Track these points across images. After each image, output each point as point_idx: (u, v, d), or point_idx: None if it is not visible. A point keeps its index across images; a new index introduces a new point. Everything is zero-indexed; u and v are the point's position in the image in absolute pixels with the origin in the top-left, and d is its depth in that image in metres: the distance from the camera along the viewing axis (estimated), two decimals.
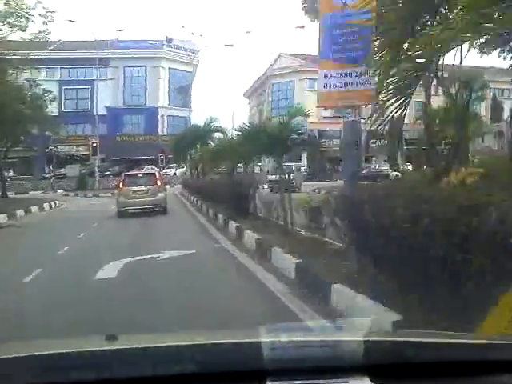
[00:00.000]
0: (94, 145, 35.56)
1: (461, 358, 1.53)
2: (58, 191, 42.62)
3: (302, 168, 48.50)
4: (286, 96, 53.37)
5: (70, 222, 18.44)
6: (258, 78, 61.60)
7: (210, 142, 31.36)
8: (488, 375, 1.48)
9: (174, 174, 51.75)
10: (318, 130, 47.53)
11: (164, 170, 48.28)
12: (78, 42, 51.72)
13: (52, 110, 52.79)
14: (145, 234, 14.37)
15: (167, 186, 43.06)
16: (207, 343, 1.67)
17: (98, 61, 48.56)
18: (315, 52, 8.35)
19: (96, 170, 37.67)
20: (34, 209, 23.77)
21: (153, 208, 18.71)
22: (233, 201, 14.58)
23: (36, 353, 1.62)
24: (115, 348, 1.66)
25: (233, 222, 13.05)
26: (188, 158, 39.49)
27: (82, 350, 1.63)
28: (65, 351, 1.65)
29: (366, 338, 1.61)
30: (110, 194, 33.69)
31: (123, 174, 22.24)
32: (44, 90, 32.83)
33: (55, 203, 26.85)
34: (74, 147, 53.55)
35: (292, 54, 53.54)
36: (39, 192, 41.80)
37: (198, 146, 30.38)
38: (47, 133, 54.22)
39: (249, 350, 1.54)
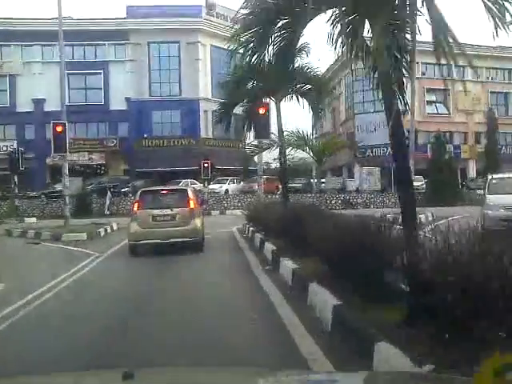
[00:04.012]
0: (59, 130, 19.58)
1: None
2: (27, 220, 27.62)
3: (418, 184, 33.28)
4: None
5: None
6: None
7: None
8: None
9: (226, 190, 37.30)
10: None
11: (210, 186, 35.41)
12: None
13: (50, 101, 41.08)
14: None
15: (216, 212, 29.62)
16: None
17: (113, 34, 35.07)
18: None
19: (66, 181, 21.00)
20: None
21: (182, 242, 13.52)
22: None
23: None
24: None
25: None
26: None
27: None
28: None
29: None
30: (85, 237, 18.96)
31: (140, 190, 16.09)
32: None
33: None
34: (86, 154, 40.18)
35: None
36: None
37: None
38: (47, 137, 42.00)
39: None
